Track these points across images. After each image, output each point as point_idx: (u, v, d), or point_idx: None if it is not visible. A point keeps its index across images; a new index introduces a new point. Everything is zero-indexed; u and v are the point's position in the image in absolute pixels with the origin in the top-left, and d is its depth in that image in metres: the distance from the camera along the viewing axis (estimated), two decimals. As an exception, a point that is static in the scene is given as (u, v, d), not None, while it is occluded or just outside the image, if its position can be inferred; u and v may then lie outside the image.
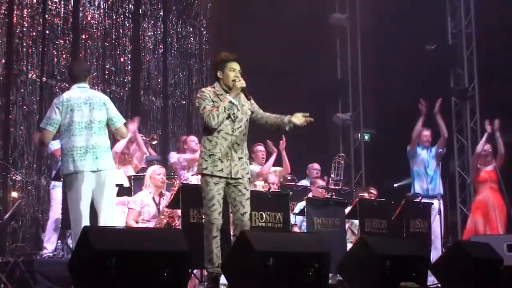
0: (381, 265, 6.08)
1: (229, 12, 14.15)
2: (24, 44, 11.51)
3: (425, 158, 10.16)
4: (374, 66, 13.80)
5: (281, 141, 9.80)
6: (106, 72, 12.81)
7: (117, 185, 7.47)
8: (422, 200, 9.83)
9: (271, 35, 13.11)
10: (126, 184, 8.69)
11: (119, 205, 8.05)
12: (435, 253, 9.25)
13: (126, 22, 13.36)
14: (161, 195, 8.36)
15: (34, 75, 11.60)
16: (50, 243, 9.17)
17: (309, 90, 13.37)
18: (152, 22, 13.89)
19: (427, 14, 12.95)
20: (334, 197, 9.42)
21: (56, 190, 9.30)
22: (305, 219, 8.58)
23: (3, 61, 11.21)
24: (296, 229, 9.01)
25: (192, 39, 14.51)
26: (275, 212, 7.81)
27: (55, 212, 9.21)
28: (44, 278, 7.25)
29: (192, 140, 9.90)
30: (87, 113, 6.53)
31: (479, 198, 10.18)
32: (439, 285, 7.22)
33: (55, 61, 12.00)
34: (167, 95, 13.89)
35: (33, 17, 11.71)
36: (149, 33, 13.79)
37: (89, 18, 12.77)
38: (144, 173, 8.59)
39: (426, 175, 10.11)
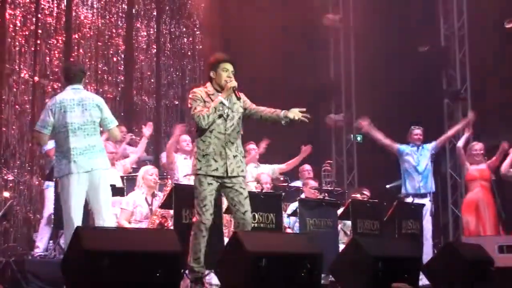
0: (373, 266, 6.10)
1: (222, 13, 14.15)
2: (17, 43, 11.49)
3: (415, 156, 10.22)
4: (367, 67, 13.81)
5: (305, 147, 10.18)
6: (99, 72, 12.79)
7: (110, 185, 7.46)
8: (414, 199, 9.88)
9: (264, 36, 13.11)
10: (119, 184, 8.68)
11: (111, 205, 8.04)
12: (426, 254, 9.27)
13: (119, 22, 13.35)
14: (153, 195, 8.35)
15: (27, 75, 11.58)
16: (42, 242, 9.16)
17: (302, 91, 13.36)
18: (145, 22, 13.88)
19: (420, 16, 12.97)
20: (326, 198, 9.42)
21: (50, 190, 9.29)
22: (298, 220, 8.58)
23: (-4, 60, 11.20)
24: (288, 231, 9.01)
25: (185, 39, 14.50)
26: (267, 212, 7.82)
27: (49, 211, 9.21)
28: (35, 278, 7.25)
29: (184, 140, 9.90)
30: (80, 114, 6.52)
31: (469, 196, 10.21)
32: (431, 285, 7.23)
33: (48, 60, 11.97)
34: (160, 95, 13.89)
35: (25, 16, 11.68)
36: (142, 33, 13.78)
37: (82, 18, 12.74)
38: (137, 174, 8.58)
39: (417, 174, 10.16)
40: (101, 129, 6.78)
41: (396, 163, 10.43)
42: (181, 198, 7.11)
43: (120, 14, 13.39)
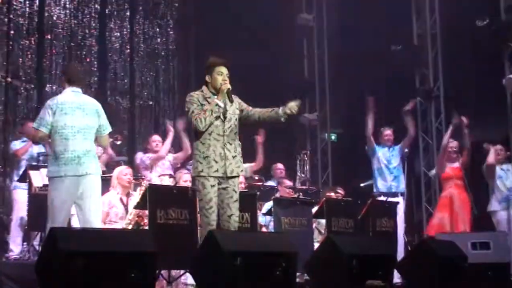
0: (347, 264, 6.14)
1: (195, 12, 14.14)
2: (-11, 44, 11.43)
3: (387, 156, 10.29)
4: (341, 66, 13.86)
5: (258, 136, 9.95)
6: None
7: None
8: (386, 198, 9.94)
9: (238, 35, 13.13)
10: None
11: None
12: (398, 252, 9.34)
13: (92, 22, 13.29)
14: (128, 195, 8.34)
15: (0, 76, 11.50)
16: (15, 245, 9.11)
17: (276, 90, 13.38)
18: (119, 22, 13.83)
19: (393, 15, 13.02)
20: (301, 197, 9.45)
21: (18, 191, 9.26)
22: (273, 219, 8.60)
23: (-32, 61, 11.12)
24: (263, 229, 9.03)
25: (159, 39, 14.47)
26: (242, 212, 7.80)
27: (19, 213, 9.17)
28: (10, 280, 7.19)
29: (154, 140, 9.89)
30: (80, 118, 6.53)
31: (444, 195, 10.30)
32: (405, 283, 7.28)
33: (20, 61, 11.90)
34: (134, 95, 13.85)
35: (-3, 17, 11.64)
36: (115, 34, 13.73)
37: (54, 18, 12.68)
38: (111, 174, 8.56)
39: (388, 173, 10.23)
40: None
41: (369, 162, 10.49)
42: (155, 198, 7.10)
43: (93, 14, 13.33)
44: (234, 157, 6.34)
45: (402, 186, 10.24)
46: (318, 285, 6.44)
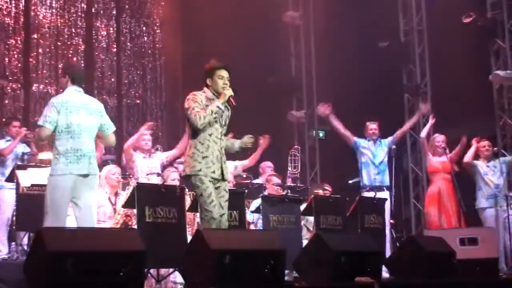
0: (336, 260, 6.16)
1: (182, 10, 14.12)
2: (-25, 44, 11.40)
3: (372, 150, 10.40)
4: (328, 64, 13.86)
5: (263, 139, 10.06)
6: (59, 72, 12.67)
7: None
8: (374, 194, 9.99)
9: (225, 33, 13.10)
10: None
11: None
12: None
13: (78, 21, 13.28)
14: (116, 194, 8.33)
15: (-14, 76, 11.49)
16: (2, 245, 9.10)
17: (263, 88, 13.41)
18: (105, 21, 13.82)
19: (380, 12, 13.05)
20: (289, 194, 9.45)
21: (4, 191, 9.22)
22: (261, 217, 8.60)
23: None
24: (252, 227, 9.03)
25: (145, 37, 14.46)
26: (230, 210, 7.79)
27: (5, 213, 9.14)
28: (-1, 281, 7.17)
29: (143, 139, 9.82)
30: (84, 117, 6.56)
31: (432, 190, 10.36)
32: (393, 279, 7.30)
33: (7, 61, 11.87)
34: (121, 94, 13.84)
35: (-17, 17, 11.60)
36: (102, 32, 13.72)
37: (40, 17, 12.66)
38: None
39: (373, 166, 10.33)
40: None
41: (357, 159, 10.55)
42: (143, 197, 7.07)
43: (79, 13, 13.32)
44: (225, 162, 6.45)
45: (387, 180, 10.33)
46: (307, 282, 6.44)
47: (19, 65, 11.99)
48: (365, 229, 9.17)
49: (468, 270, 7.67)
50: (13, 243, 8.97)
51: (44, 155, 9.02)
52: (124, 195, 8.11)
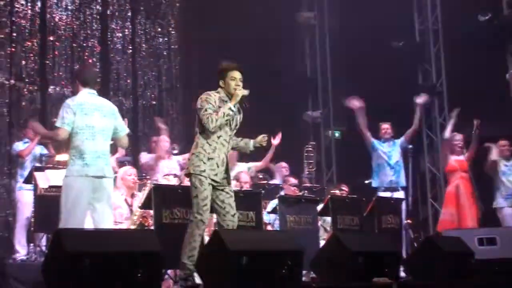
0: (353, 261, 6.13)
1: (197, 12, 14.13)
2: (-8, 46, 11.45)
3: (386, 151, 10.38)
4: (343, 64, 13.84)
5: (274, 137, 9.96)
6: (75, 73, 12.74)
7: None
8: (391, 194, 9.96)
9: (240, 34, 13.10)
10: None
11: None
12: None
13: (94, 23, 13.31)
14: (133, 196, 8.34)
15: (3, 78, 11.51)
16: (21, 246, 9.14)
17: (279, 89, 13.39)
18: (120, 23, 13.85)
19: (394, 11, 13.01)
20: (306, 194, 9.44)
21: (23, 192, 9.27)
22: (278, 217, 8.59)
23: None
24: (269, 228, 9.02)
25: (160, 39, 14.49)
26: (247, 211, 7.81)
27: (23, 214, 9.18)
28: (17, 282, 7.21)
29: (164, 140, 9.81)
30: (99, 119, 6.53)
31: (450, 189, 10.30)
32: (411, 280, 7.27)
33: (23, 63, 11.92)
34: (136, 96, 13.86)
35: (0, 20, 11.63)
36: (117, 34, 13.75)
37: (56, 20, 12.70)
38: (115, 175, 8.55)
39: (389, 168, 10.30)
40: None
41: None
42: (160, 198, 7.09)
43: (95, 15, 13.35)
44: (227, 166, 6.37)
45: (403, 181, 10.30)
46: (324, 283, 6.43)
47: (36, 67, 12.02)
48: (382, 229, 9.16)
49: (486, 270, 7.62)
50: (32, 244, 9.01)
51: (61, 157, 9.03)
52: (140, 196, 8.12)
